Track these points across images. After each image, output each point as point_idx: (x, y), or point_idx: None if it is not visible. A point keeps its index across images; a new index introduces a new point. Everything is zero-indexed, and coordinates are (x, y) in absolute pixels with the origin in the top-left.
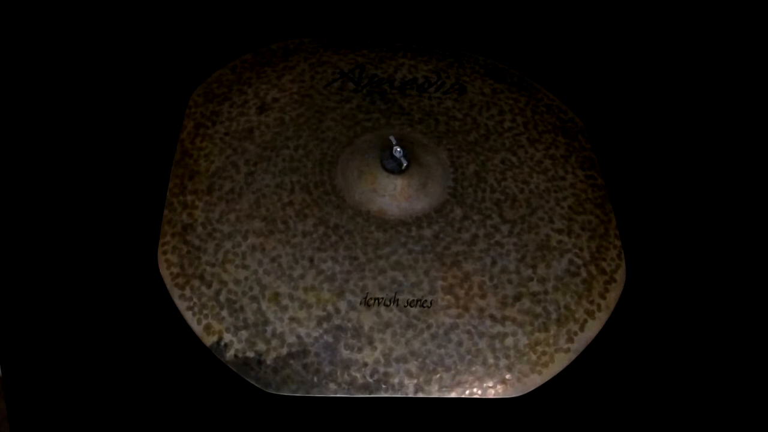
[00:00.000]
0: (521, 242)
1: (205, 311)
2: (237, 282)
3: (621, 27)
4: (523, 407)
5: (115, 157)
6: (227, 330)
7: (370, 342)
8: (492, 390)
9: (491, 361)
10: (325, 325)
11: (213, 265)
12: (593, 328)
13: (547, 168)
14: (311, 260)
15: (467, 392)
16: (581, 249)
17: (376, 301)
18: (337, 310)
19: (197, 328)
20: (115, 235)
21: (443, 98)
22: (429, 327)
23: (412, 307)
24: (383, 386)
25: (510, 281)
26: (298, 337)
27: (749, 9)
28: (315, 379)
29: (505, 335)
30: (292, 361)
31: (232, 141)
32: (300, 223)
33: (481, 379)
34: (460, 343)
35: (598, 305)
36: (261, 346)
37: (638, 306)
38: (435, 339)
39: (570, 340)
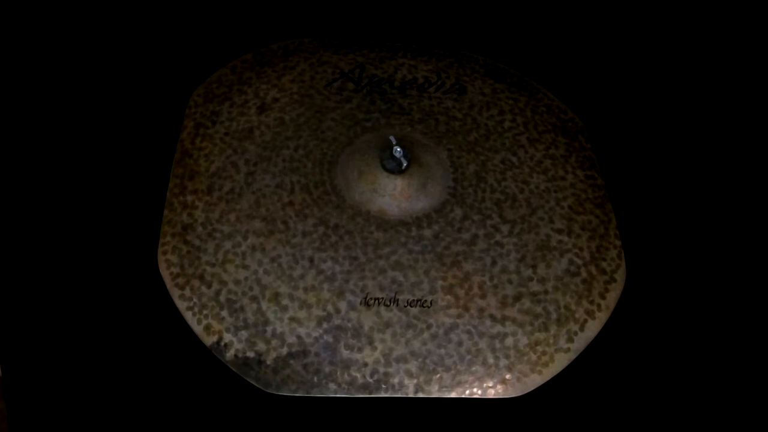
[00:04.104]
0: (521, 242)
1: (205, 311)
2: (237, 282)
3: (621, 27)
4: (523, 407)
5: (116, 157)
6: (227, 330)
7: (370, 342)
8: (492, 390)
9: (491, 361)
10: (325, 325)
11: (213, 265)
12: (593, 328)
13: (547, 168)
14: (311, 260)
15: (467, 392)
16: (581, 249)
17: (376, 301)
18: (337, 310)
19: (197, 328)
20: (115, 235)
21: (443, 98)
22: (429, 327)
23: (412, 307)
24: (383, 386)
25: (510, 281)
26: (298, 337)
27: (749, 9)
28: (315, 379)
29: (505, 335)
30: (292, 361)
31: (232, 141)
32: (300, 223)
33: (481, 379)
34: (460, 343)
35: (598, 305)
36: (261, 346)
37: (638, 306)
38: (435, 339)
39: (570, 340)
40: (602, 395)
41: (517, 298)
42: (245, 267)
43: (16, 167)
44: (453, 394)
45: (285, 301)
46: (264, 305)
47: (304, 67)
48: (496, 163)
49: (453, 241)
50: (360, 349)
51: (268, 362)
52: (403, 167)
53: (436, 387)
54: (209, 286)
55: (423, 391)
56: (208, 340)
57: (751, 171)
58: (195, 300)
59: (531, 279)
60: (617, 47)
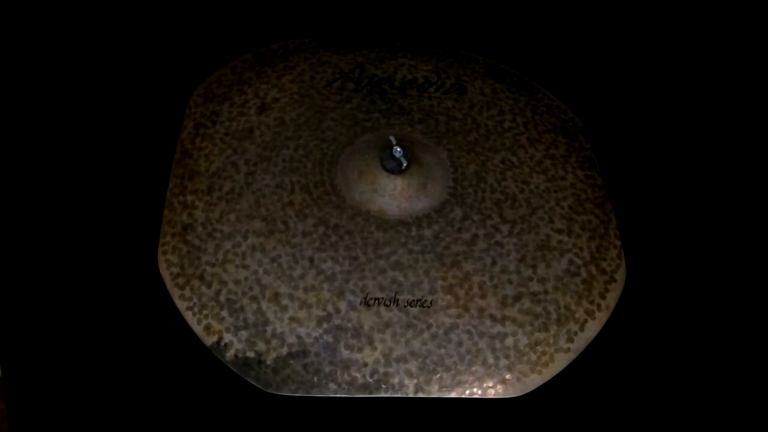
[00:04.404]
0: (521, 242)
1: (205, 311)
2: (237, 282)
3: (621, 27)
4: (523, 407)
5: (116, 157)
6: (227, 330)
7: (370, 342)
8: (492, 390)
9: (491, 361)
10: (325, 325)
11: (213, 265)
12: (593, 328)
13: (547, 168)
14: (311, 260)
15: (467, 392)
16: (581, 249)
17: (376, 301)
18: (337, 310)
19: (197, 328)
20: (115, 235)
21: (443, 98)
22: (429, 327)
23: (412, 307)
24: (383, 386)
25: (510, 281)
26: (298, 337)
27: (749, 9)
28: (315, 379)
29: (505, 335)
30: (292, 361)
31: (232, 141)
32: (300, 223)
33: (481, 379)
34: (460, 343)
35: (598, 305)
36: (261, 346)
37: (638, 306)
38: (435, 339)
39: (570, 340)
40: (602, 395)
41: (517, 298)
42: (245, 267)
43: (17, 167)
44: (453, 394)
45: (285, 301)
46: (264, 305)
47: (304, 67)
48: (496, 163)
49: (453, 241)
50: (360, 349)
51: (268, 362)
52: (403, 167)
53: (436, 387)
54: (209, 286)
55: (423, 391)
56: (208, 340)
57: (751, 171)
58: (195, 300)
59: (531, 279)
60: (617, 47)
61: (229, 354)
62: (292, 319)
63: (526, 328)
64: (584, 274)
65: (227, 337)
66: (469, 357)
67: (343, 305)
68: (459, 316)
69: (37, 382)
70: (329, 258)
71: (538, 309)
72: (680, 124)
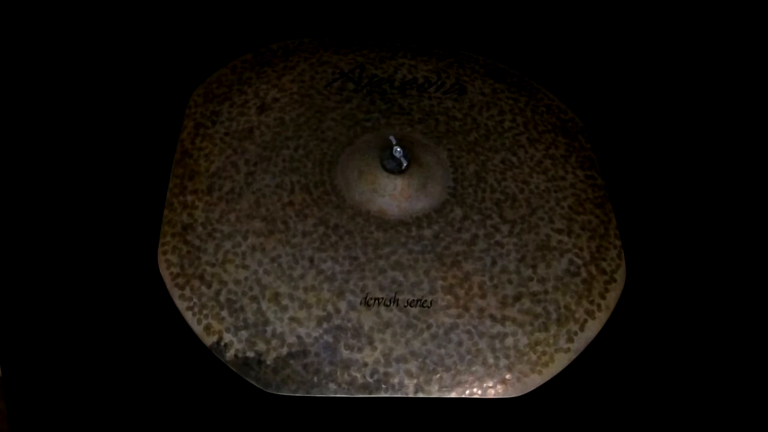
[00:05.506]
0: (521, 242)
1: (205, 311)
2: (237, 282)
3: (621, 27)
4: (523, 407)
5: (116, 157)
6: (227, 330)
7: (370, 342)
8: (492, 390)
9: (491, 361)
10: (325, 325)
11: (213, 265)
12: (593, 328)
13: (547, 168)
14: (311, 260)
15: (467, 392)
16: (581, 249)
17: (376, 301)
18: (337, 310)
19: (197, 328)
20: (115, 235)
21: (443, 98)
22: (429, 327)
23: (412, 307)
24: (383, 386)
25: (510, 281)
26: (298, 337)
27: (749, 9)
28: (315, 379)
29: (505, 335)
30: (292, 361)
31: (232, 141)
32: (300, 223)
33: (481, 379)
34: (460, 343)
35: (598, 305)
36: (261, 346)
37: (638, 306)
38: (435, 339)
39: (570, 340)
40: (602, 395)
41: (517, 298)
42: (245, 267)
43: (17, 167)
44: (453, 394)
45: (285, 301)
46: (264, 305)
47: (304, 67)
48: (496, 163)
49: (453, 241)
50: (360, 349)
51: (268, 362)
52: (403, 167)
53: (436, 387)
54: (209, 286)
55: (423, 391)
56: (208, 340)
57: (750, 171)
58: (195, 300)
59: (531, 279)
60: (617, 47)
61: (229, 354)
62: (292, 319)
63: (526, 328)
64: (584, 274)
65: (227, 337)
66: (469, 357)
67: (343, 305)
68: (459, 316)
69: (37, 382)
70: (329, 258)
71: (538, 309)
72: (680, 123)
